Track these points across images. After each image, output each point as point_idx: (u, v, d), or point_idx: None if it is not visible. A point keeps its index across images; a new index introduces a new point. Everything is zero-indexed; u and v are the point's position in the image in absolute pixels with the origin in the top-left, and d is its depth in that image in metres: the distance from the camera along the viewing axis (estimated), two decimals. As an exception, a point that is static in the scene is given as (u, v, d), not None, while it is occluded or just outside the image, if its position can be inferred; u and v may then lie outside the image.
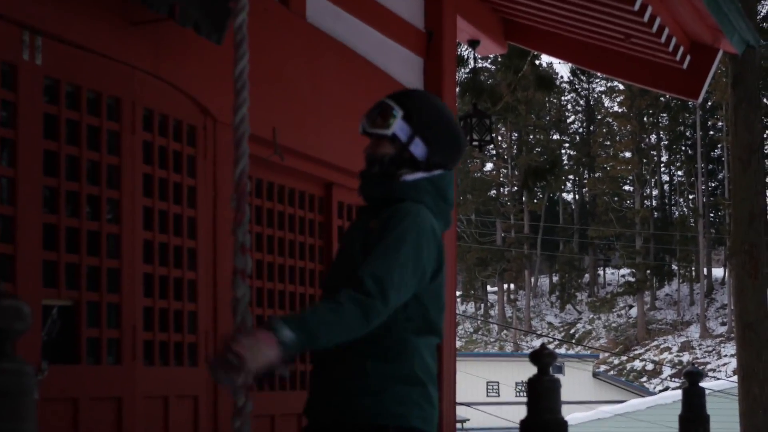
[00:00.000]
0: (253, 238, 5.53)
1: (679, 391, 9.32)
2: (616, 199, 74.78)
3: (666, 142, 76.86)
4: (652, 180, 77.60)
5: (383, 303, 3.69)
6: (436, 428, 3.97)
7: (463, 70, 15.55)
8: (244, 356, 3.41)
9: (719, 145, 71.91)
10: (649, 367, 63.42)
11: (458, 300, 68.21)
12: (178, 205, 4.93)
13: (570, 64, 71.53)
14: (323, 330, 3.60)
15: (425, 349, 3.97)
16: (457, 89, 8.94)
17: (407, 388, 3.94)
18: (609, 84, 77.01)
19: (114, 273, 4.52)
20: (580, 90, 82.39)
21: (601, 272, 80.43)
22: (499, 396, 41.52)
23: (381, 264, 3.75)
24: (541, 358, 5.62)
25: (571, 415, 26.97)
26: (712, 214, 73.90)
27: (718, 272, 73.23)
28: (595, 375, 45.09)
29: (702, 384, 8.39)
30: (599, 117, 79.41)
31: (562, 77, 79.00)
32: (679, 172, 78.62)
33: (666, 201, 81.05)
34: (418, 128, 4.03)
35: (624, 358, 65.05)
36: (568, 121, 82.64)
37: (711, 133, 73.41)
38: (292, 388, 5.90)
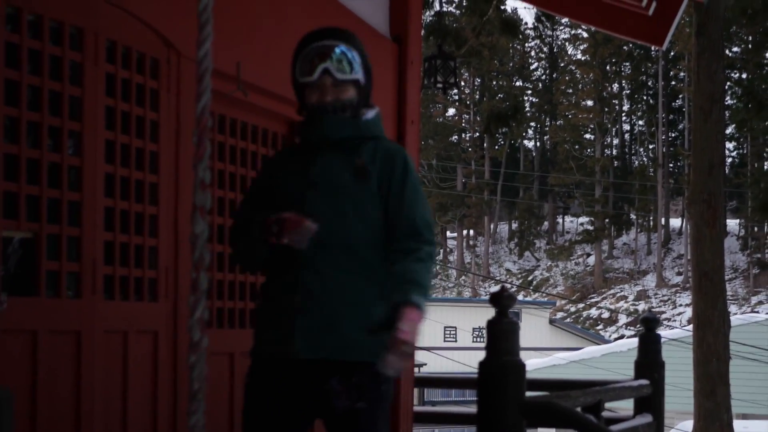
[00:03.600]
0: (215, 175, 5.49)
1: (634, 340, 9.41)
2: (576, 147, 74.97)
3: (628, 92, 77.07)
4: (613, 129, 77.86)
5: (434, 245, 4.08)
6: None
7: (428, 12, 15.43)
8: (414, 341, 3.80)
9: (680, 96, 72.16)
10: (605, 315, 63.92)
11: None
12: (141, 139, 4.88)
13: (535, 10, 71.36)
14: (428, 286, 3.95)
15: None
16: (422, 32, 8.87)
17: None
18: (573, 32, 77.02)
19: (75, 206, 4.47)
20: (544, 37, 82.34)
21: (560, 220, 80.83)
22: (456, 341, 41.67)
23: (422, 210, 4.07)
24: (501, 300, 5.62)
25: (528, 361, 27.23)
26: (671, 165, 74.29)
27: (675, 222, 73.75)
28: (551, 322, 45.34)
29: (658, 331, 8.46)
30: (562, 65, 79.46)
31: (526, 23, 78.87)
32: (640, 122, 78.91)
33: (626, 150, 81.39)
34: (365, 68, 4.27)
35: (580, 305, 65.53)
36: (532, 68, 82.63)
37: (673, 83, 73.62)
38: (252, 325, 5.88)
